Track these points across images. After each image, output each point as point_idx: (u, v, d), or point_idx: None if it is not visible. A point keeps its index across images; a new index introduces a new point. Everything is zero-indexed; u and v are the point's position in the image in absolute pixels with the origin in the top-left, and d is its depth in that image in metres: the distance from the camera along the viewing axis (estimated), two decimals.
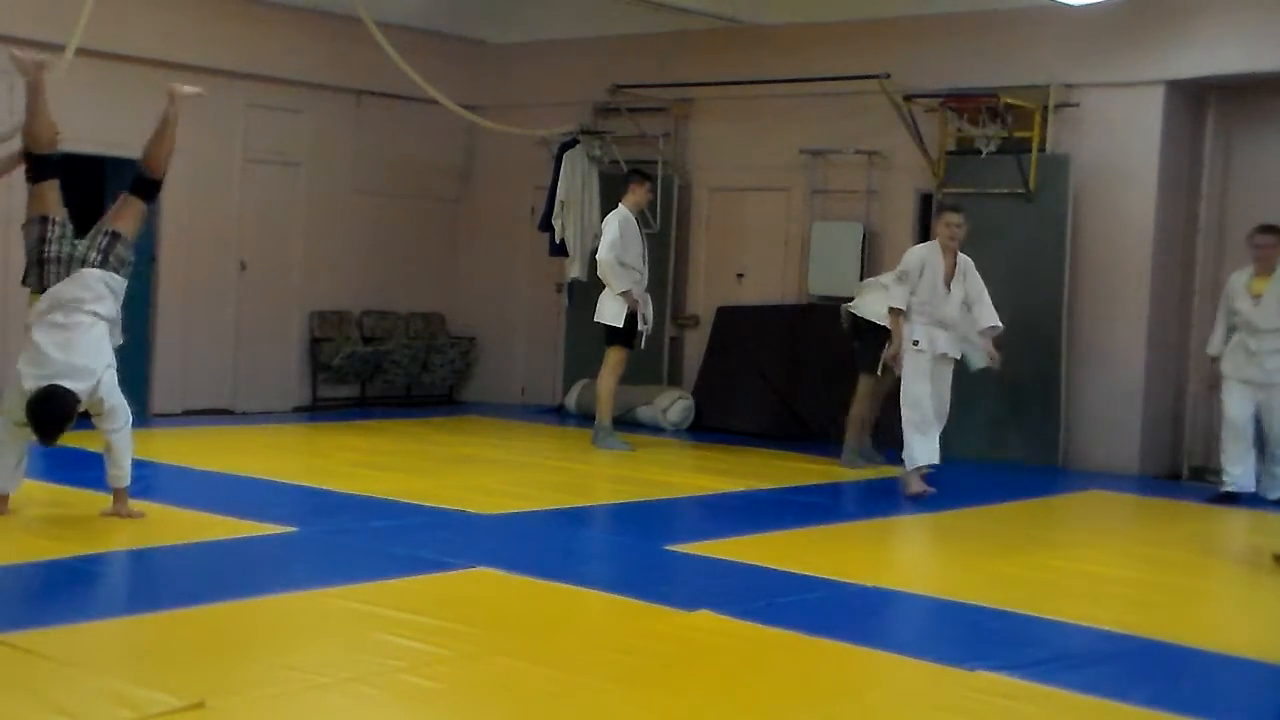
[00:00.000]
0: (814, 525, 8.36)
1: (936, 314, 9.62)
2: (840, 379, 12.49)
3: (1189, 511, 9.95)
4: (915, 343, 9.59)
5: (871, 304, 10.56)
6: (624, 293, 11.27)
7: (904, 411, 9.62)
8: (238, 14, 12.61)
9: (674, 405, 13.01)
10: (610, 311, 11.35)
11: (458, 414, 13.70)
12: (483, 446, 11.45)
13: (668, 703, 4.86)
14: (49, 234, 7.34)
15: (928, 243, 9.86)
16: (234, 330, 12.99)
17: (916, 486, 9.51)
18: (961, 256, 9.70)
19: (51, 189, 7.45)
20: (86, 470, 8.69)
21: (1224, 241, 11.59)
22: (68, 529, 7.29)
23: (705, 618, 5.94)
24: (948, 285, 9.62)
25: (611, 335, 11.42)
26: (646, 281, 11.68)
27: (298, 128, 13.37)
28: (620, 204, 11.58)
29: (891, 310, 9.70)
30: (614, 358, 11.45)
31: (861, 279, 12.53)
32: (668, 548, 7.59)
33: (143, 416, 12.22)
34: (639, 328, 11.46)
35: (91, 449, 9.59)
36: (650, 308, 11.66)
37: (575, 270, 13.25)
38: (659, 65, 13.39)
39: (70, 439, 9.78)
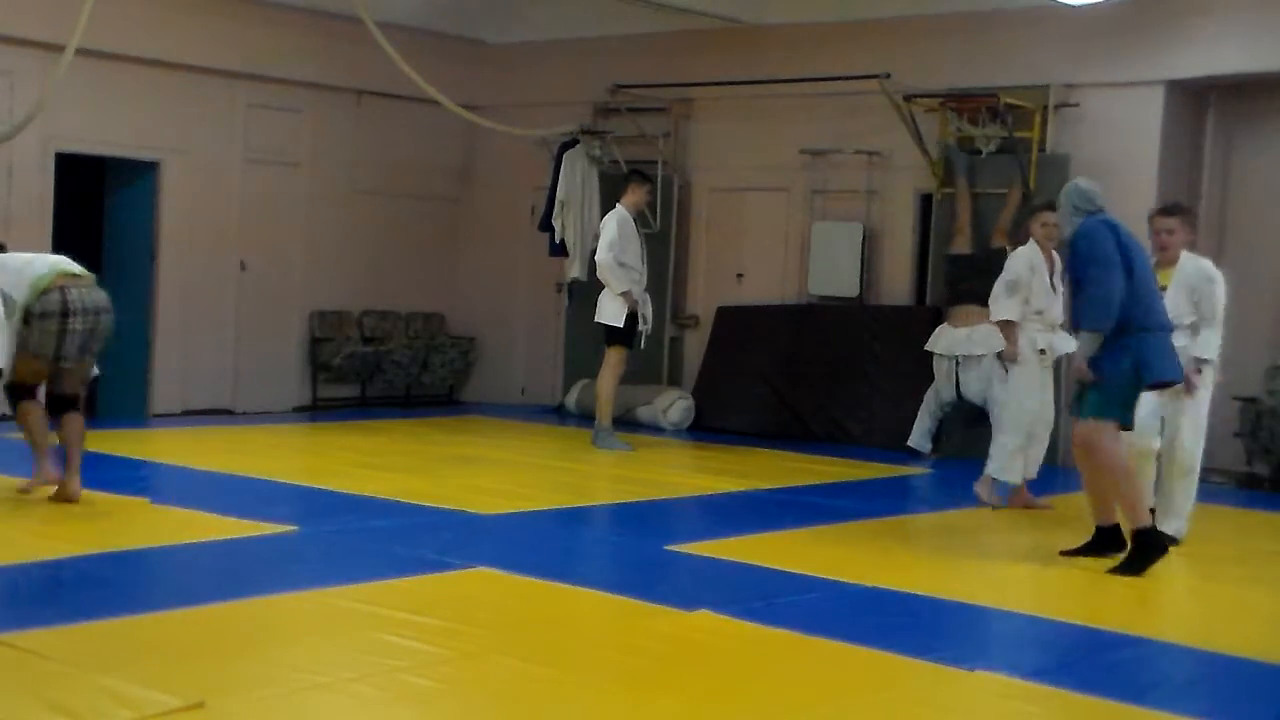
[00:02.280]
0: (814, 525, 8.35)
1: (1049, 317, 9.23)
2: (840, 379, 12.51)
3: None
4: (1041, 351, 9.13)
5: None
6: (624, 293, 11.27)
7: (1006, 424, 9.22)
8: (238, 14, 12.60)
9: (674, 405, 13.01)
10: (610, 311, 11.34)
11: (458, 414, 13.70)
12: (483, 446, 11.45)
13: (668, 703, 4.86)
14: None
15: (1027, 245, 9.25)
16: (234, 330, 12.98)
17: (991, 497, 9.23)
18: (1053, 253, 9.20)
19: None
20: (87, 470, 8.68)
21: (1224, 241, 11.58)
22: (68, 529, 7.29)
23: (705, 618, 5.94)
24: (1053, 284, 9.19)
25: (611, 335, 11.42)
26: (645, 281, 11.67)
27: (298, 128, 13.37)
28: (619, 204, 11.57)
29: (1004, 324, 9.19)
30: (614, 358, 11.45)
31: (861, 279, 12.55)
32: (668, 548, 7.58)
33: (143, 416, 12.26)
34: (639, 328, 11.46)
35: (92, 449, 9.60)
36: (650, 307, 11.66)
37: (575, 270, 13.25)
38: (659, 65, 13.39)
39: None
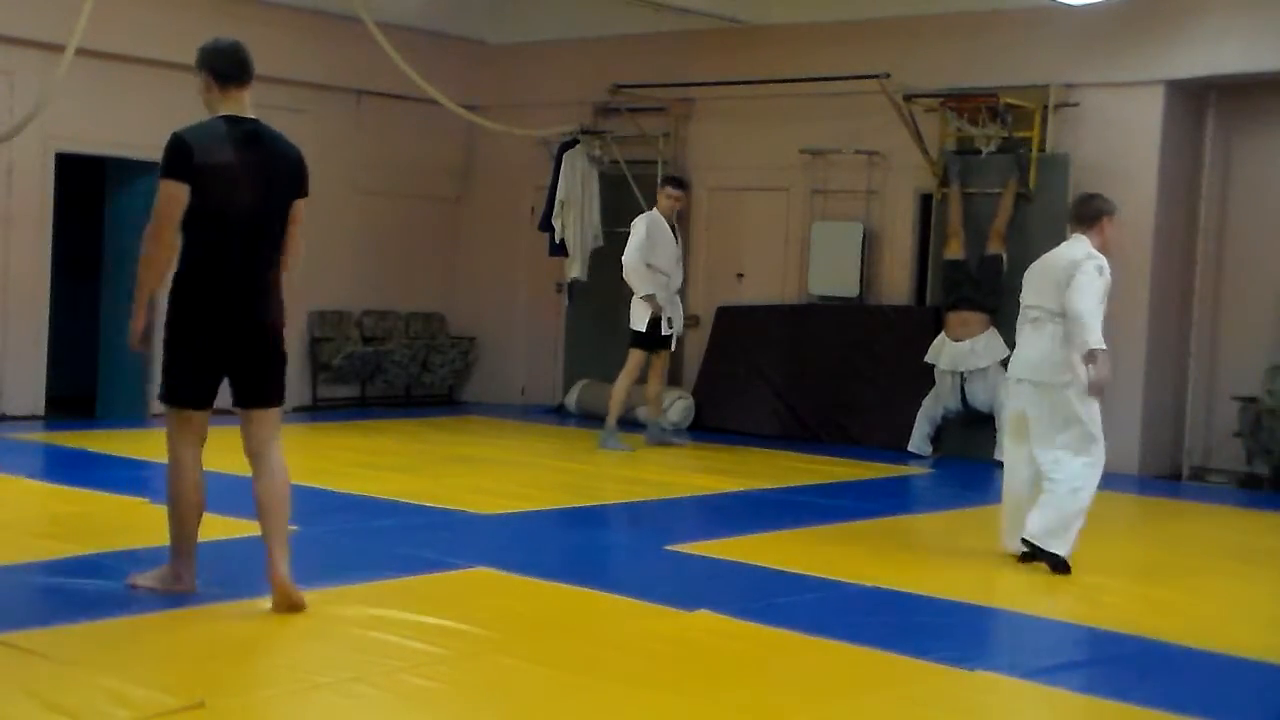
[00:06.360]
0: (814, 525, 8.35)
1: None
2: (840, 379, 12.51)
3: (1189, 511, 9.95)
4: None
5: None
6: (647, 296, 11.24)
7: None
8: (238, 14, 12.57)
9: (674, 405, 13.00)
10: (634, 315, 11.35)
11: (458, 414, 13.70)
12: (483, 446, 11.45)
13: (668, 703, 4.86)
14: None
15: None
16: None
17: None
18: None
19: None
20: (87, 470, 8.70)
21: (1224, 241, 11.59)
22: (68, 529, 7.29)
23: (705, 618, 5.94)
24: None
25: (633, 338, 11.41)
26: (679, 283, 11.68)
27: (298, 128, 13.26)
28: (654, 207, 11.58)
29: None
30: (630, 360, 11.42)
31: (861, 279, 12.53)
32: (668, 548, 7.58)
33: (143, 416, 12.24)
34: (664, 331, 11.42)
35: (92, 449, 9.61)
36: (679, 310, 11.66)
37: (575, 270, 13.25)
38: (659, 65, 13.39)
39: (71, 439, 9.81)
